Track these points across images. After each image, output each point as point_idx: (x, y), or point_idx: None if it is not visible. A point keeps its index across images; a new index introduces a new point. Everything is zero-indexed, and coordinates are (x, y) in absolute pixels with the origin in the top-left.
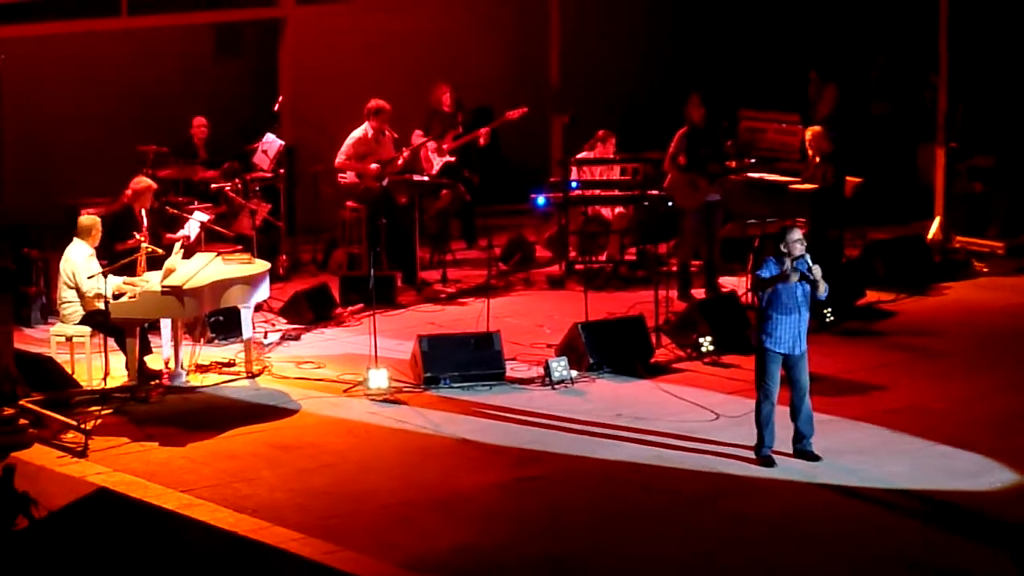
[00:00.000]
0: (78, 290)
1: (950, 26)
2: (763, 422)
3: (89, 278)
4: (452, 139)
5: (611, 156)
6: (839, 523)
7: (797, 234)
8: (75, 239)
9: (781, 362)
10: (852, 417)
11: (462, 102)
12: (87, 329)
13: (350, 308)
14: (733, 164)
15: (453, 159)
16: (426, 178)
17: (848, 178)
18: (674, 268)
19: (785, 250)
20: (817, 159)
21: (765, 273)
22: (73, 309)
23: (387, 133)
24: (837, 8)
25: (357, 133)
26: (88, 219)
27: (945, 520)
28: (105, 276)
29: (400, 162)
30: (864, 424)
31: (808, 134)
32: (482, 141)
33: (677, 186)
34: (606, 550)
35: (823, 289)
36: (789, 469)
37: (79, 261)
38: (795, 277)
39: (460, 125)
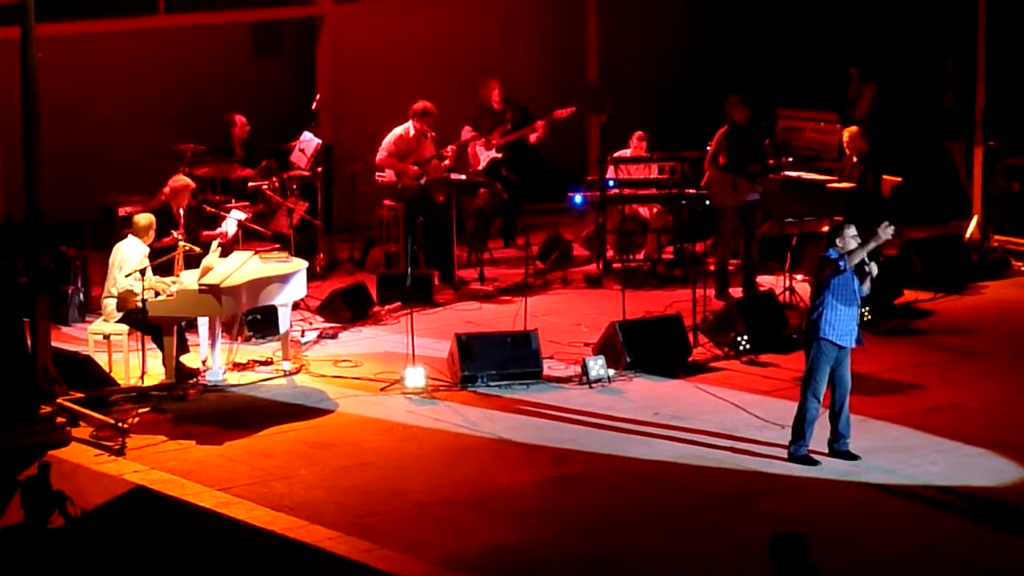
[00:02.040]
0: (131, 285)
1: (988, 22)
2: (809, 420)
3: (127, 275)
4: (500, 135)
5: (644, 155)
6: (877, 520)
7: (853, 230)
8: (130, 236)
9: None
10: (889, 416)
11: (511, 100)
12: (124, 327)
13: (387, 307)
14: (772, 162)
15: (499, 155)
16: (463, 177)
17: (886, 177)
18: (711, 267)
19: (840, 244)
20: (855, 159)
21: (834, 253)
22: (116, 306)
23: (429, 134)
24: (877, 5)
25: (399, 131)
26: (145, 217)
27: (980, 516)
28: (143, 274)
29: (446, 162)
30: (901, 425)
31: (845, 135)
32: (533, 137)
33: (717, 185)
34: (642, 549)
35: (867, 287)
36: (827, 468)
37: (133, 257)
38: (888, 234)
39: (508, 122)
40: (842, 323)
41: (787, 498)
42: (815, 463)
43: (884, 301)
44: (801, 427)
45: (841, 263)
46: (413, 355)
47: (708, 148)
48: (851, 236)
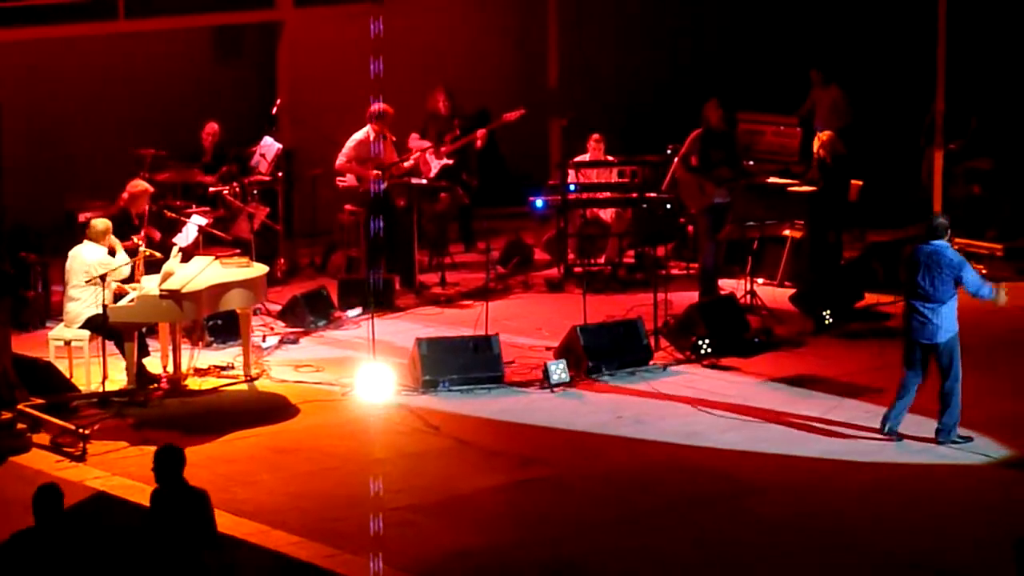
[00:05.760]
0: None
1: (949, 28)
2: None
3: (87, 281)
4: (449, 142)
5: (603, 158)
6: (849, 523)
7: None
8: (86, 241)
9: None
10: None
11: (458, 105)
12: (86, 333)
13: (349, 311)
14: (749, 164)
15: (451, 162)
16: (424, 181)
17: (852, 181)
18: (673, 271)
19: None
20: (829, 161)
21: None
22: (77, 311)
23: (388, 137)
24: (837, 10)
25: (358, 135)
26: (101, 222)
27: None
28: (103, 280)
29: (406, 165)
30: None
31: (821, 138)
32: (478, 144)
33: (684, 187)
34: (607, 553)
35: None
36: (791, 467)
37: (96, 262)
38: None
39: (456, 128)
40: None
41: (753, 500)
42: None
43: (845, 304)
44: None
45: (986, 290)
46: (375, 360)
47: (668, 151)
48: (946, 230)
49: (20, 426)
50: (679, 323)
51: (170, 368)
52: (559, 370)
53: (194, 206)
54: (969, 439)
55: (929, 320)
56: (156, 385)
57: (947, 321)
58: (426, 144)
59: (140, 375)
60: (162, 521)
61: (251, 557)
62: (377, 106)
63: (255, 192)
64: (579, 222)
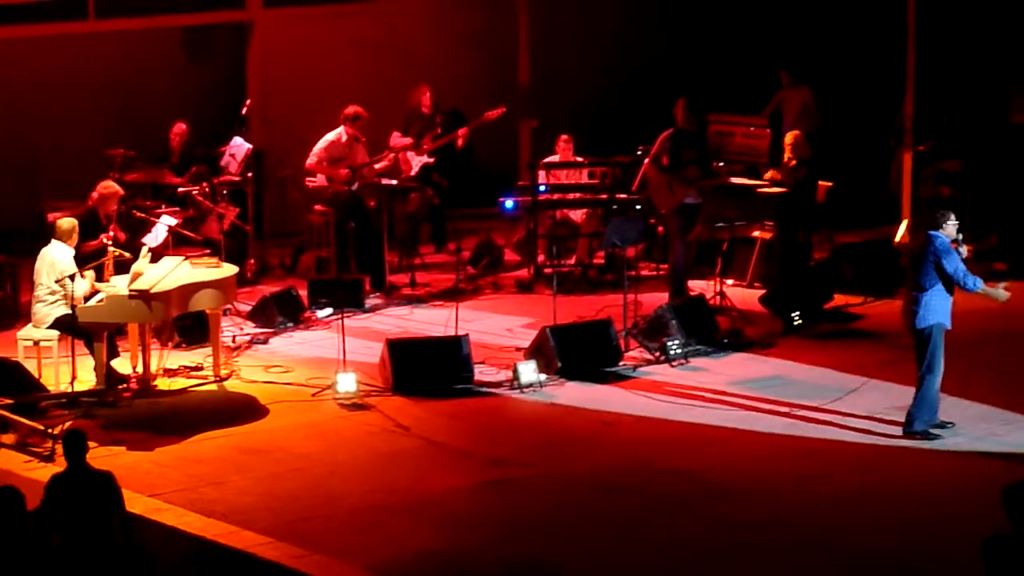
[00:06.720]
0: (65, 289)
1: (919, 28)
2: (935, 398)
3: (57, 281)
4: (431, 140)
5: (572, 159)
6: (824, 523)
7: (954, 217)
8: (54, 241)
9: None
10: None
11: (439, 104)
12: (55, 333)
13: (319, 312)
14: (719, 165)
15: (432, 160)
16: (394, 182)
17: (820, 183)
18: (643, 272)
19: (945, 232)
20: (793, 162)
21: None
22: (46, 312)
23: (361, 139)
24: (806, 11)
25: (331, 136)
26: (67, 222)
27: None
28: (72, 279)
29: (380, 166)
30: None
31: (789, 138)
32: (460, 143)
33: (654, 186)
34: (574, 553)
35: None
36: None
37: (65, 261)
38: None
39: (439, 127)
40: (949, 309)
41: (735, 504)
42: (938, 436)
43: (815, 305)
44: (935, 407)
45: (970, 281)
46: (344, 360)
47: (639, 152)
48: (953, 225)
49: None
50: (649, 324)
51: (139, 368)
52: (529, 371)
53: (164, 206)
54: (938, 436)
55: (910, 307)
56: (125, 385)
57: (927, 310)
58: (407, 142)
59: (109, 375)
60: (58, 503)
61: (168, 540)
62: (353, 109)
63: (225, 192)
64: (549, 223)
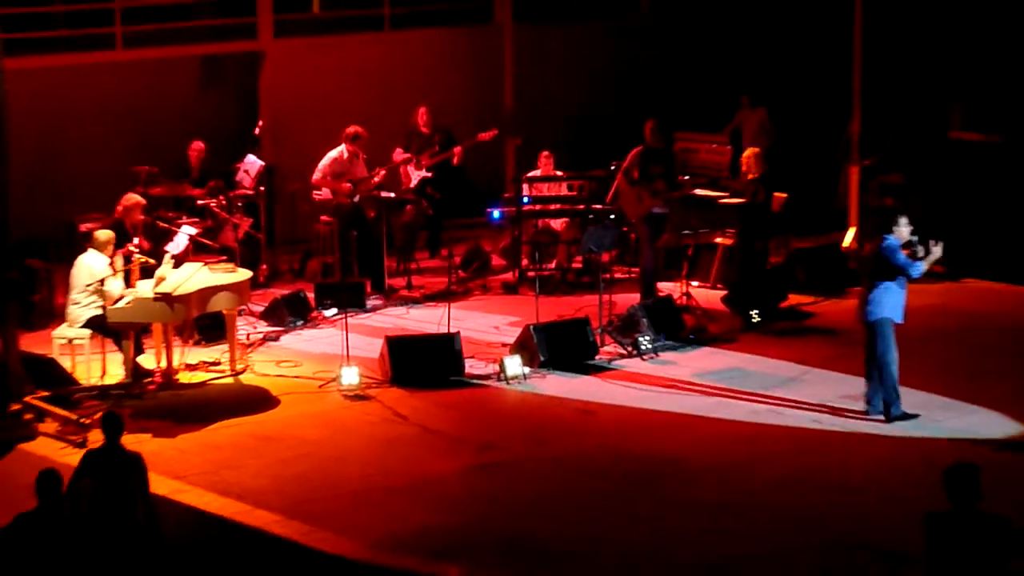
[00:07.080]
0: (100, 292)
1: (864, 53)
2: (895, 382)
3: (89, 285)
4: (429, 156)
5: (552, 173)
6: (769, 500)
7: (906, 220)
8: (90, 250)
9: None
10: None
11: (436, 124)
12: (87, 332)
13: (325, 312)
14: (684, 178)
15: (430, 174)
16: (392, 195)
17: (776, 194)
18: (617, 275)
19: (897, 234)
20: (750, 176)
21: (894, 241)
22: (79, 312)
23: (360, 155)
24: (762, 39)
25: (333, 153)
26: (104, 233)
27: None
28: (103, 283)
29: (376, 180)
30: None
31: (747, 154)
32: (456, 160)
33: (624, 197)
34: (558, 529)
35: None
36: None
37: (100, 268)
38: (937, 252)
39: (436, 144)
40: (902, 304)
41: (702, 483)
42: (916, 416)
43: (771, 304)
44: (897, 391)
45: (914, 270)
46: (348, 356)
47: (612, 167)
48: (905, 225)
49: (27, 416)
50: (622, 321)
51: (163, 363)
52: (515, 364)
53: (184, 217)
54: (918, 415)
55: (863, 303)
56: (150, 379)
57: (875, 304)
58: (406, 157)
59: (136, 370)
60: (89, 471)
61: (190, 518)
62: (353, 128)
63: (240, 204)
64: (532, 231)
